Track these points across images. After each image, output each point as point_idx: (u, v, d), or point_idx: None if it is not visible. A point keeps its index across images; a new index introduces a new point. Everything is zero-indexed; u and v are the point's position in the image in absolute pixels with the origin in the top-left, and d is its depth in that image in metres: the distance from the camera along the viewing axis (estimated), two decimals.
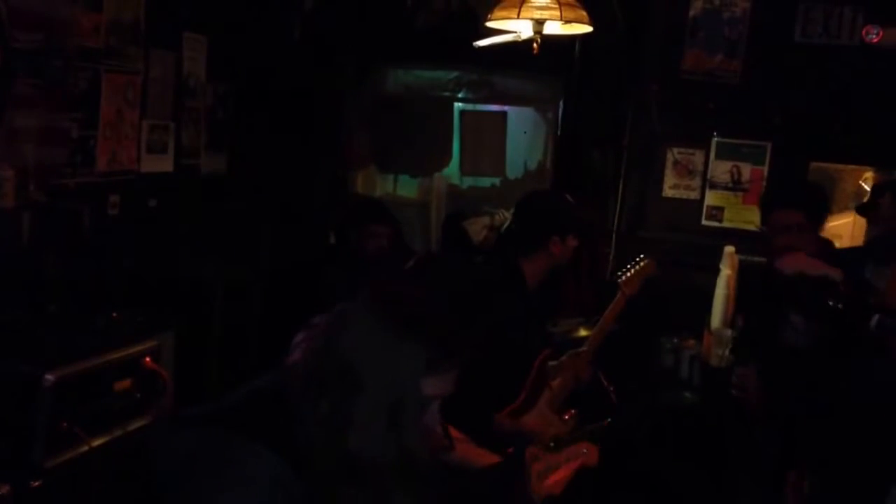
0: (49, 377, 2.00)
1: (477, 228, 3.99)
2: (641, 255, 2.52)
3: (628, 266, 2.49)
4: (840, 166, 3.89)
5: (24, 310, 2.44)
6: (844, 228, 3.69)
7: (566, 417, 2.24)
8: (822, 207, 2.45)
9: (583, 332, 2.64)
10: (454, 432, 1.80)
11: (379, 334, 1.08)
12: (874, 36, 3.49)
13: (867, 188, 3.72)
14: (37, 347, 2.15)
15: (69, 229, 2.74)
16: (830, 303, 1.11)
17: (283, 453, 1.03)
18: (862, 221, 3.45)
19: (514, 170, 4.92)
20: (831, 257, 2.20)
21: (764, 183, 3.71)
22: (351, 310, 1.13)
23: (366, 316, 1.11)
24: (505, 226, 3.59)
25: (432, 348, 1.09)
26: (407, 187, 5.02)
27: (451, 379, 1.13)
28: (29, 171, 2.53)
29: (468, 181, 5.07)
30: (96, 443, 2.11)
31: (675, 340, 3.32)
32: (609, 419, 2.06)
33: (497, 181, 5.02)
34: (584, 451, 1.59)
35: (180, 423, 1.14)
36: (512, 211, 3.96)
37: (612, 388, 2.36)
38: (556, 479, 1.56)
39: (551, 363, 2.29)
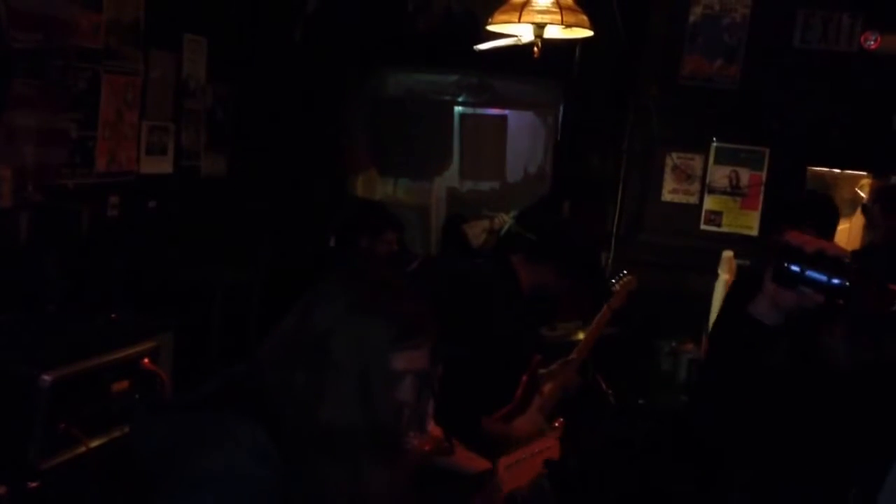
0: (46, 377, 1.99)
1: (476, 232, 3.99)
2: (625, 272, 2.53)
3: (612, 281, 2.50)
4: (837, 172, 3.90)
5: (21, 310, 2.43)
6: (841, 234, 3.69)
7: (556, 425, 2.24)
8: (832, 222, 2.41)
9: (580, 336, 2.65)
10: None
11: (348, 308, 1.14)
12: (872, 42, 3.50)
13: (863, 195, 3.73)
14: (34, 348, 2.14)
15: (67, 230, 2.73)
16: (836, 281, 1.10)
17: (262, 426, 1.06)
18: (858, 227, 3.46)
19: (513, 173, 4.92)
20: None
21: (762, 188, 3.72)
22: (323, 286, 1.18)
23: (336, 291, 1.16)
24: (504, 229, 3.58)
25: (400, 322, 1.14)
26: (407, 190, 5.02)
27: (423, 356, 1.18)
28: (27, 171, 2.53)
29: (468, 185, 5.07)
30: (94, 444, 2.10)
31: (674, 344, 3.33)
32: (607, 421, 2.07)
33: (497, 185, 5.02)
34: (549, 445, 1.61)
35: (159, 408, 1.17)
36: (513, 214, 3.96)
37: (610, 391, 2.36)
38: (522, 473, 1.59)
39: (542, 370, 2.29)
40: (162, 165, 3.26)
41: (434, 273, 1.77)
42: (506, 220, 4.00)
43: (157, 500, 1.06)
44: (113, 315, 2.50)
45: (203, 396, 1.14)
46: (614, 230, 3.87)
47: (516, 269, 2.21)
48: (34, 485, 1.95)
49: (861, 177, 3.94)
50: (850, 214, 3.69)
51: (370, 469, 1.11)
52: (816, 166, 3.75)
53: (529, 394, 2.24)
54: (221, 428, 1.06)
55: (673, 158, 3.81)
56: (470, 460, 1.85)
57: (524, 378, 2.23)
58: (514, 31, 2.53)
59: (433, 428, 1.90)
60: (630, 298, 2.42)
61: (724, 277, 3.34)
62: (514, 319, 2.17)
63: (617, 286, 2.45)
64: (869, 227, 3.17)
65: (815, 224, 2.29)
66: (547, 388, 2.26)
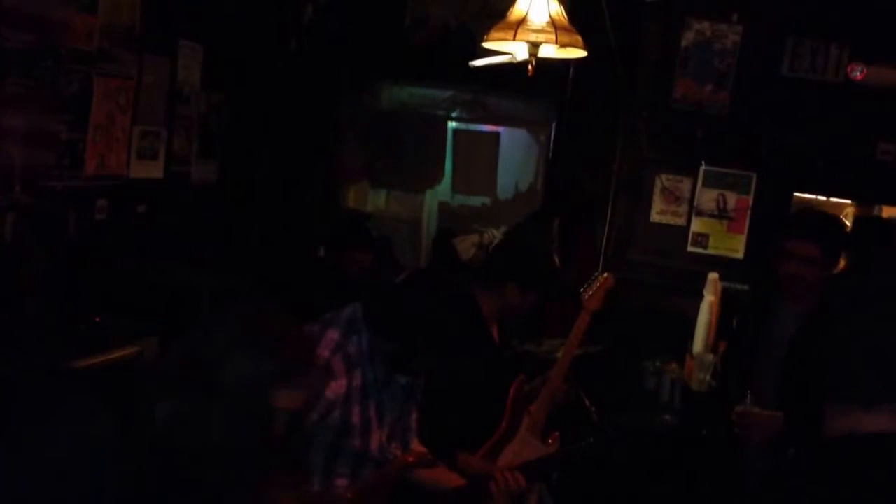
0: None
1: (466, 246, 4.00)
2: (599, 271, 2.51)
3: (588, 283, 2.45)
4: (822, 199, 3.96)
5: (3, 311, 2.41)
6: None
7: (550, 441, 2.24)
8: (840, 245, 2.38)
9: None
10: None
11: (237, 344, 1.25)
12: (859, 73, 3.56)
13: (847, 223, 3.78)
14: (15, 349, 2.12)
15: (54, 232, 2.72)
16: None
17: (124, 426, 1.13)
18: None
19: (505, 190, 4.95)
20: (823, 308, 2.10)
21: (749, 212, 3.76)
22: (216, 322, 1.31)
23: (230, 328, 1.28)
24: (493, 244, 3.60)
25: (280, 364, 1.26)
26: (398, 203, 5.03)
27: (298, 398, 1.30)
28: (15, 171, 2.51)
29: (459, 199, 5.09)
30: None
31: (658, 364, 3.34)
32: (591, 439, 2.07)
33: (488, 200, 5.04)
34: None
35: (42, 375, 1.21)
36: (502, 230, 3.97)
37: (593, 409, 2.36)
38: None
39: (526, 388, 2.28)
40: (152, 170, 3.24)
41: (421, 286, 1.77)
42: (496, 235, 4.02)
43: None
44: (97, 319, 2.48)
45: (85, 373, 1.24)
46: (603, 249, 3.89)
47: (477, 300, 2.17)
48: None
49: (846, 205, 4.00)
50: None
51: (232, 487, 1.22)
52: (802, 193, 3.80)
53: (517, 417, 2.22)
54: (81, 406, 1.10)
55: (662, 180, 3.85)
56: (446, 476, 1.85)
57: (509, 402, 2.22)
58: (509, 48, 2.55)
59: (416, 443, 1.90)
60: (608, 298, 2.38)
61: (709, 299, 3.36)
62: (479, 349, 2.14)
63: (593, 288, 2.41)
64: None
65: (821, 240, 2.25)
66: (534, 406, 2.25)
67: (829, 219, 2.50)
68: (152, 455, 1.17)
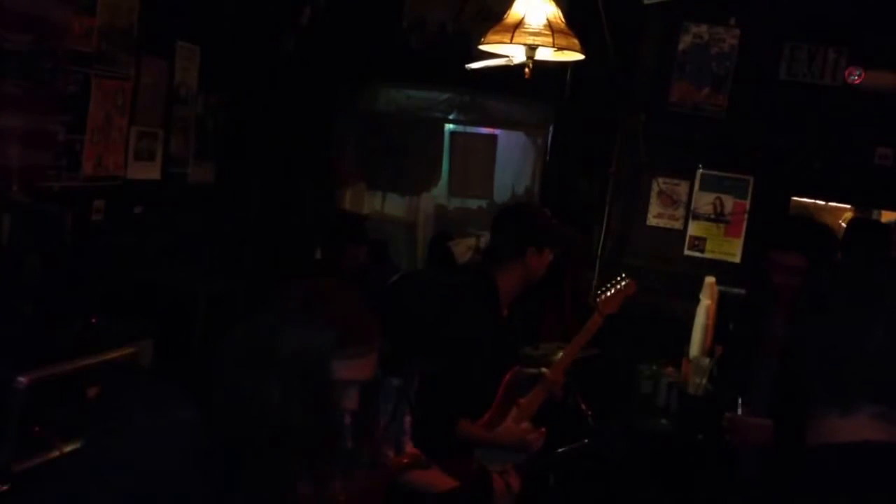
0: (22, 380, 1.97)
1: (462, 249, 4.00)
2: (623, 275, 2.53)
3: (608, 286, 2.49)
4: (821, 203, 3.96)
5: None
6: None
7: (540, 432, 2.26)
8: (827, 253, 2.38)
9: (563, 355, 2.64)
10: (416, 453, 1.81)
11: (289, 316, 1.20)
12: (856, 77, 3.57)
13: (842, 226, 3.79)
14: (11, 349, 2.11)
15: (51, 232, 2.71)
16: None
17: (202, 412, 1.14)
18: None
19: (501, 193, 4.95)
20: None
21: (746, 216, 3.77)
22: (275, 297, 1.25)
23: (281, 300, 1.23)
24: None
25: (342, 331, 1.19)
26: (395, 205, 5.03)
27: (367, 365, 1.23)
28: (12, 171, 2.51)
29: (456, 202, 5.09)
30: (67, 448, 2.07)
31: (654, 367, 3.34)
32: (587, 441, 2.07)
33: (484, 203, 5.04)
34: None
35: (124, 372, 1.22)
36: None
37: (590, 412, 2.36)
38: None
39: (528, 370, 2.31)
40: (150, 171, 3.25)
41: (413, 286, 1.78)
42: None
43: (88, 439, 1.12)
44: (93, 319, 2.48)
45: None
46: (599, 252, 3.90)
47: (496, 278, 2.22)
48: (5, 487, 1.92)
49: (844, 209, 4.00)
50: None
51: (297, 468, 1.18)
52: (799, 197, 3.81)
53: (506, 406, 2.25)
54: (166, 397, 1.14)
55: (659, 183, 3.85)
56: (439, 478, 1.85)
57: (501, 390, 2.24)
58: (506, 51, 2.56)
59: (410, 446, 1.90)
60: (623, 305, 2.42)
61: (705, 303, 3.36)
62: (491, 333, 2.17)
63: (611, 291, 2.44)
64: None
65: (805, 251, 2.26)
66: (525, 399, 2.27)
67: (816, 228, 2.51)
68: (219, 439, 1.14)
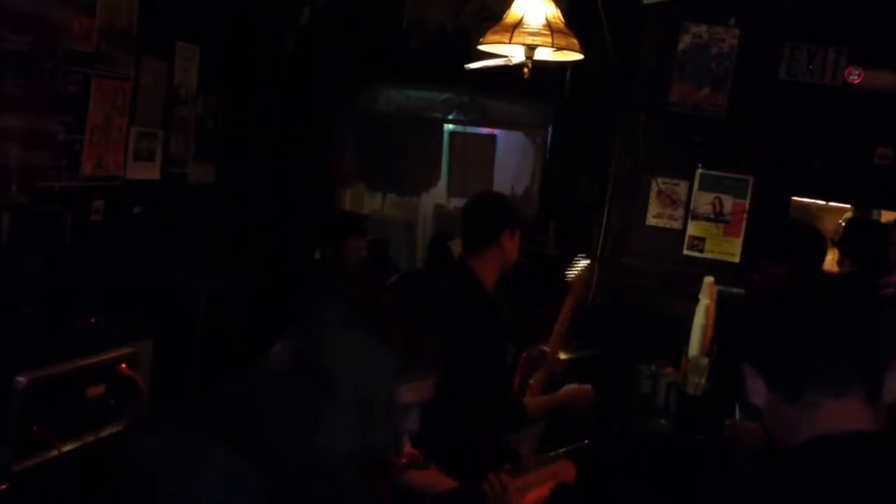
0: (21, 379, 1.97)
1: (461, 249, 4.00)
2: (581, 257, 2.63)
3: (569, 270, 2.59)
4: (822, 203, 3.96)
5: None
6: (826, 266, 3.74)
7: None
8: (813, 259, 2.40)
9: (563, 355, 2.66)
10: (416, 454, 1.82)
11: (352, 336, 1.10)
12: (856, 77, 3.57)
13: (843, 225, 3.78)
14: (9, 349, 2.12)
15: (50, 232, 2.71)
16: None
17: (249, 451, 1.04)
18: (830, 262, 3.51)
19: (501, 192, 4.95)
20: None
21: (745, 216, 3.77)
22: (325, 312, 1.14)
23: (340, 318, 1.12)
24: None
25: (405, 353, 1.11)
26: (394, 206, 5.04)
27: (428, 386, 1.16)
28: (12, 171, 2.51)
29: (455, 202, 5.09)
30: (66, 448, 2.07)
31: (653, 367, 3.33)
32: (587, 441, 2.08)
33: None
34: (555, 471, 1.62)
35: (152, 422, 1.15)
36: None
37: (589, 413, 2.37)
38: (533, 497, 1.58)
39: (534, 349, 2.36)
40: (149, 172, 3.25)
41: (412, 286, 1.78)
42: None
43: None
44: (93, 319, 2.48)
45: (198, 413, 1.11)
46: (598, 252, 3.90)
47: (474, 270, 2.23)
48: (4, 487, 1.92)
49: (845, 209, 4.00)
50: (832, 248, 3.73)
51: (361, 494, 1.10)
52: (799, 197, 3.81)
53: (522, 390, 2.30)
54: (212, 453, 1.05)
55: (658, 183, 3.85)
56: (438, 478, 1.86)
57: (518, 375, 2.29)
58: (506, 51, 2.56)
59: (409, 446, 1.91)
60: (589, 284, 2.52)
61: (704, 303, 3.35)
62: (489, 320, 2.19)
63: (574, 273, 2.52)
64: (844, 256, 3.21)
65: (796, 261, 2.28)
66: (533, 380, 2.31)
67: (801, 235, 2.53)
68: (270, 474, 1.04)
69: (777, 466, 1.03)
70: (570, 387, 2.35)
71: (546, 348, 2.44)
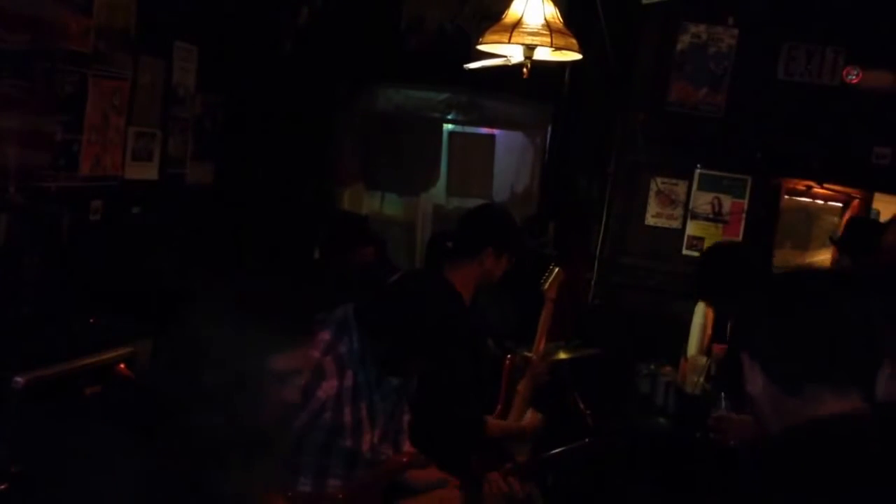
0: (19, 380, 1.97)
1: None
2: (552, 266, 2.62)
3: (546, 275, 2.58)
4: (819, 203, 3.96)
5: None
6: (824, 264, 3.74)
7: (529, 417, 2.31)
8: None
9: (562, 355, 2.66)
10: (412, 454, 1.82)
11: (226, 317, 1.23)
12: (854, 77, 3.58)
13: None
14: (8, 349, 2.11)
15: (48, 233, 2.71)
16: None
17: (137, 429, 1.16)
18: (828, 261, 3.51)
19: (500, 193, 4.94)
20: None
21: (744, 215, 3.77)
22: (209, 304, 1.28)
23: (219, 304, 1.27)
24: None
25: (277, 328, 1.23)
26: (393, 206, 5.03)
27: (302, 353, 1.28)
28: (9, 172, 2.51)
29: (454, 202, 5.08)
30: (64, 448, 2.06)
31: (652, 367, 3.34)
32: (586, 441, 2.08)
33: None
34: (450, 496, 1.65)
35: None
36: None
37: (588, 412, 2.37)
38: None
39: (519, 354, 2.35)
40: (147, 172, 3.24)
41: (412, 285, 1.78)
42: None
43: None
44: (92, 320, 2.47)
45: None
46: (598, 252, 3.90)
47: (448, 275, 2.21)
48: (3, 487, 1.91)
49: (838, 208, 4.00)
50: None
51: (248, 462, 1.20)
52: (797, 196, 3.81)
53: (510, 395, 2.28)
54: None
55: (657, 183, 3.85)
56: (438, 477, 1.86)
57: (504, 381, 2.27)
58: (504, 51, 2.56)
59: (408, 445, 1.90)
60: (562, 288, 2.53)
61: (703, 302, 3.36)
62: (466, 328, 2.18)
63: (547, 283, 2.53)
64: (842, 254, 3.21)
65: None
66: (521, 385, 2.30)
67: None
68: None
69: (782, 446, 1.06)
70: (534, 418, 2.32)
71: (530, 354, 2.41)
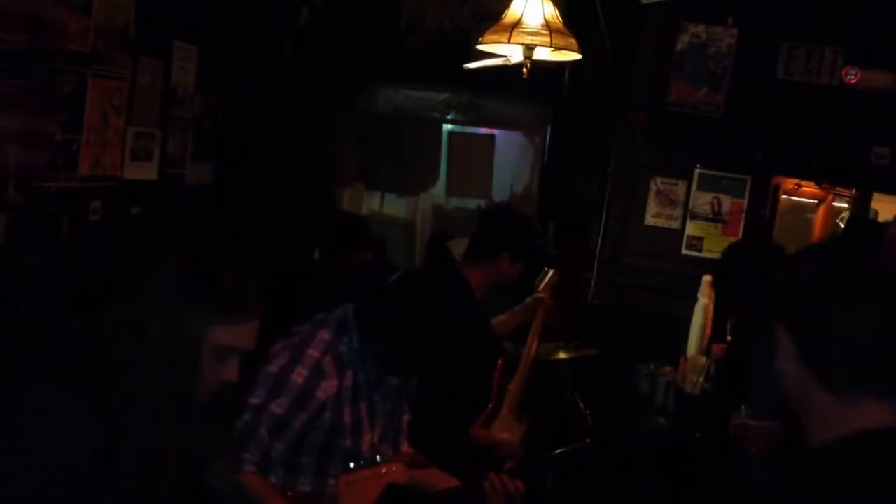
0: None
1: (461, 249, 3.99)
2: (546, 269, 2.60)
3: (539, 277, 2.56)
4: (818, 203, 3.97)
5: None
6: None
7: (523, 421, 2.29)
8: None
9: (562, 355, 2.66)
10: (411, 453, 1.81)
11: (166, 284, 1.25)
12: (853, 77, 3.58)
13: (842, 226, 3.79)
14: (7, 349, 2.10)
15: (47, 233, 2.71)
16: None
17: (72, 384, 1.17)
18: None
19: (500, 193, 4.95)
20: None
21: (743, 215, 3.77)
22: (147, 275, 1.29)
23: (161, 275, 1.28)
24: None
25: (218, 298, 1.24)
26: (393, 205, 5.03)
27: (248, 332, 1.28)
28: (8, 172, 2.50)
29: (454, 202, 5.09)
30: None
31: (652, 366, 3.34)
32: (588, 440, 2.08)
33: (483, 203, 5.04)
34: (395, 468, 1.68)
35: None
36: None
37: (588, 412, 2.37)
38: (367, 490, 1.64)
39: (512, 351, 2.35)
40: (147, 172, 3.24)
41: (412, 285, 1.78)
42: None
43: None
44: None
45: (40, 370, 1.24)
46: (597, 252, 3.90)
47: (466, 276, 2.22)
48: None
49: (841, 209, 4.01)
50: None
51: (171, 429, 1.21)
52: (796, 196, 3.81)
53: (501, 395, 2.27)
54: (49, 400, 1.17)
55: (657, 183, 3.85)
56: (437, 477, 1.85)
57: (495, 381, 2.27)
58: (504, 51, 2.55)
59: (407, 445, 1.90)
60: (555, 289, 2.51)
61: (703, 302, 3.37)
62: (477, 326, 2.18)
63: (541, 285, 2.51)
64: None
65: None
66: (513, 385, 2.29)
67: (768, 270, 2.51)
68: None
69: (812, 465, 0.94)
70: (514, 436, 2.29)
71: (524, 356, 2.39)
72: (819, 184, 3.78)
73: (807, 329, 0.95)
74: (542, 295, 2.47)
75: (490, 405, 2.25)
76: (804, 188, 3.85)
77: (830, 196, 3.89)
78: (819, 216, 3.95)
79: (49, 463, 1.12)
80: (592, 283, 3.86)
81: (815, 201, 3.94)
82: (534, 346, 2.42)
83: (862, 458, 0.90)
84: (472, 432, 2.18)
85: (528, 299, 2.47)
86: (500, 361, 2.31)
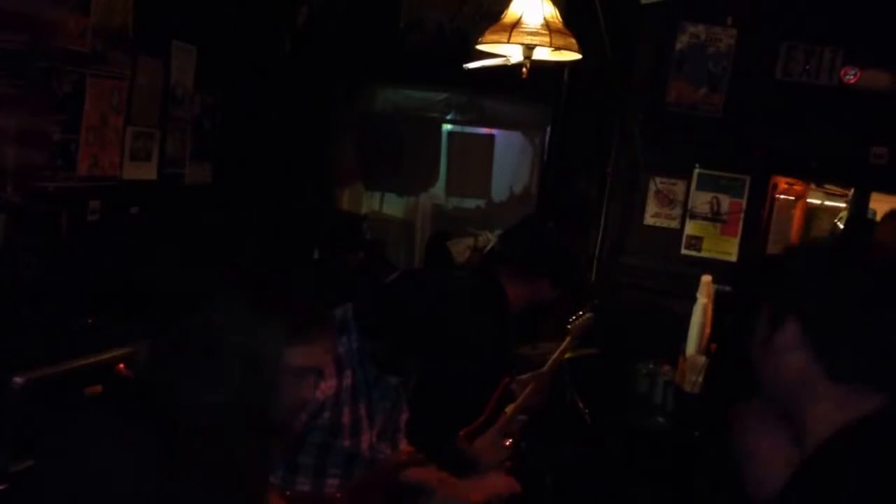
0: (18, 380, 1.97)
1: (460, 249, 4.00)
2: (581, 312, 2.55)
3: (575, 317, 2.51)
4: (816, 203, 3.97)
5: None
6: None
7: (506, 444, 2.24)
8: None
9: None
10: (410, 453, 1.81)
11: (240, 310, 1.21)
12: (852, 77, 3.58)
13: (841, 226, 3.80)
14: (7, 350, 2.11)
15: (46, 233, 2.71)
16: None
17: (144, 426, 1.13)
18: None
19: (499, 192, 4.95)
20: None
21: (742, 215, 3.78)
22: (216, 293, 1.27)
23: (229, 294, 1.25)
24: (489, 247, 3.60)
25: (291, 319, 1.23)
26: (393, 205, 5.03)
27: (322, 350, 1.27)
28: (7, 172, 2.50)
29: (454, 202, 5.09)
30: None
31: (651, 366, 3.35)
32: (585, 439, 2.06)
33: (482, 203, 5.05)
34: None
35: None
36: (497, 233, 3.99)
37: (586, 411, 2.36)
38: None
39: (512, 385, 2.30)
40: (145, 172, 3.24)
41: (411, 285, 1.78)
42: (490, 238, 4.02)
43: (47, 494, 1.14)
44: (90, 320, 2.47)
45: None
46: (597, 252, 3.90)
47: (505, 285, 2.21)
48: (2, 487, 1.91)
49: (840, 209, 4.01)
50: None
51: (240, 452, 1.19)
52: (795, 196, 3.82)
53: (497, 412, 2.25)
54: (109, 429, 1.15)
55: (656, 183, 3.86)
56: (437, 475, 1.85)
57: (495, 396, 2.24)
58: (504, 51, 2.56)
59: (406, 443, 1.90)
60: (589, 328, 2.45)
61: (702, 301, 3.37)
62: (494, 335, 2.17)
63: (579, 321, 2.46)
64: None
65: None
66: (510, 407, 2.27)
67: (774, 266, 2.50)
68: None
69: (824, 458, 0.94)
70: (494, 450, 2.22)
71: (534, 379, 2.35)
72: (819, 184, 3.78)
73: (819, 320, 0.96)
74: (544, 370, 2.41)
75: (482, 419, 2.22)
76: (782, 184, 3.86)
77: (806, 191, 3.91)
78: (798, 211, 3.96)
79: (114, 494, 1.10)
80: (592, 282, 3.87)
81: (793, 197, 3.95)
82: (548, 376, 2.36)
83: (868, 441, 0.91)
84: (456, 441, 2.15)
85: (527, 374, 2.41)
86: (506, 378, 2.27)
